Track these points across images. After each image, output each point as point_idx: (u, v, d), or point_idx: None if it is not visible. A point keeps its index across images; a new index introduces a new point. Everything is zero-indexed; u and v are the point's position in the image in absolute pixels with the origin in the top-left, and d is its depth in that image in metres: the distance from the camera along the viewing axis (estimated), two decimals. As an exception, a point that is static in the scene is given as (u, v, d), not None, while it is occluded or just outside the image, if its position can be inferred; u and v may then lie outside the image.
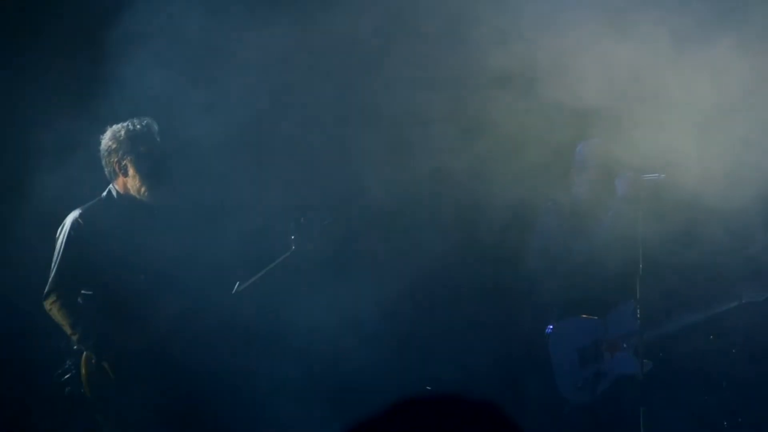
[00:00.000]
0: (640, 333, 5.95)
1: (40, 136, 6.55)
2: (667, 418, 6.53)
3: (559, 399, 6.27)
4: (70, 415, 5.82)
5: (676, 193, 6.09)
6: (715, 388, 6.75)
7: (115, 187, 5.84)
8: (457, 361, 7.17)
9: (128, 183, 5.80)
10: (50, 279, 5.73)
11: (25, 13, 6.84)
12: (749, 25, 5.99)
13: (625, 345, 6.19)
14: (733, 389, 6.74)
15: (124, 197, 5.81)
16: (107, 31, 6.38)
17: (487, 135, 6.66)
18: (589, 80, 6.13)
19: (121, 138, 5.77)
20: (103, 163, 5.83)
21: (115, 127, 5.81)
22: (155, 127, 5.81)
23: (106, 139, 5.81)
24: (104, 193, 5.86)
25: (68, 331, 5.69)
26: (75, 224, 5.73)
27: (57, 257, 5.74)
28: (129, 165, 5.78)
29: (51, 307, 5.71)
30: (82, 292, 5.74)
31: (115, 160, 5.79)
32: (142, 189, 5.78)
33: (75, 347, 5.73)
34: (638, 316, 5.96)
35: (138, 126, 5.78)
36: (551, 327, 6.33)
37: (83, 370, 5.71)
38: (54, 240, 5.79)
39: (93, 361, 5.70)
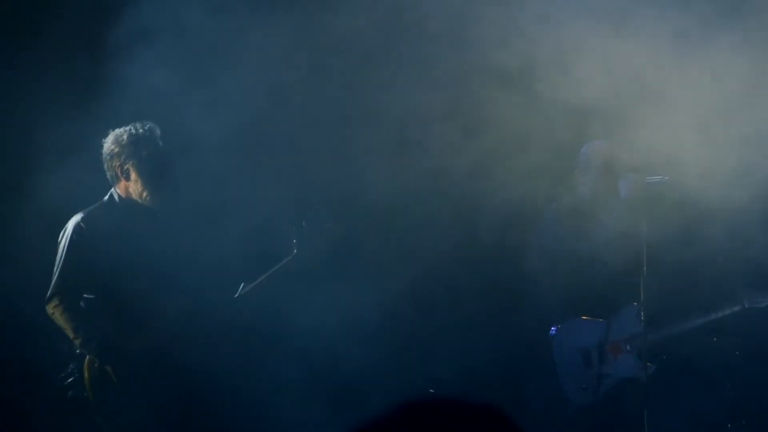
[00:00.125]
0: (643, 335, 5.94)
1: (41, 136, 6.54)
2: (670, 420, 6.53)
3: (562, 401, 6.26)
4: (72, 419, 5.81)
5: (680, 195, 6.08)
6: (719, 390, 6.76)
7: (117, 191, 5.83)
8: (458, 362, 7.17)
9: (130, 187, 5.80)
10: (52, 283, 5.73)
11: (25, 13, 6.82)
12: (751, 24, 5.98)
13: (628, 347, 6.19)
14: (736, 391, 6.75)
15: (126, 201, 5.81)
16: (108, 32, 6.36)
17: (488, 134, 6.66)
18: (590, 80, 6.13)
19: (124, 142, 5.76)
20: (105, 166, 5.83)
21: (117, 131, 5.81)
22: (157, 131, 5.81)
23: (109, 143, 5.80)
24: (106, 197, 5.86)
25: (71, 334, 5.69)
26: (77, 228, 5.73)
27: (59, 261, 5.73)
28: (131, 169, 5.77)
29: (53, 311, 5.71)
30: (85, 295, 5.73)
31: (117, 164, 5.78)
32: (144, 193, 5.77)
33: (78, 351, 5.73)
34: (642, 318, 5.95)
35: (140, 130, 5.77)
36: (555, 329, 6.32)
37: (86, 374, 5.71)
38: (56, 244, 5.79)
39: (96, 364, 5.70)
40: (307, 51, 6.63)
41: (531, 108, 6.50)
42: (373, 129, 6.77)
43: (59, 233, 5.81)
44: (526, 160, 6.60)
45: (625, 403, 6.21)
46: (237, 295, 5.90)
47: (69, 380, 5.73)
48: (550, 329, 6.35)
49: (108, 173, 5.83)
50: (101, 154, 5.82)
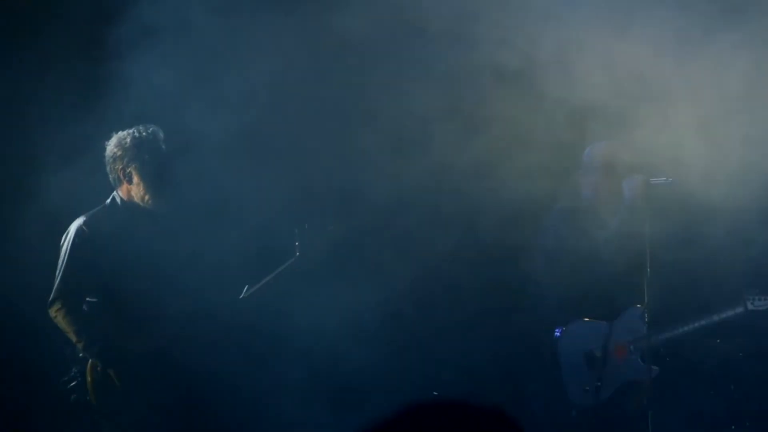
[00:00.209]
0: (647, 337, 5.94)
1: (42, 137, 6.53)
2: (673, 421, 6.53)
3: (566, 403, 6.26)
4: (76, 423, 5.79)
5: (683, 197, 6.08)
6: (722, 392, 6.76)
7: (119, 194, 5.83)
8: (459, 362, 7.17)
9: (132, 190, 5.79)
10: (55, 286, 5.73)
11: (26, 14, 6.80)
12: (753, 24, 5.98)
13: (632, 348, 6.18)
14: (739, 393, 6.75)
15: (128, 204, 5.81)
16: (110, 32, 6.34)
17: (488, 134, 6.65)
18: (592, 79, 6.13)
19: (127, 145, 5.76)
20: (108, 169, 5.82)
21: (120, 133, 5.80)
22: (161, 134, 5.80)
23: (111, 146, 5.80)
24: (108, 200, 5.85)
25: (73, 338, 5.69)
26: (79, 231, 5.73)
27: (61, 265, 5.73)
28: (134, 172, 5.77)
29: (56, 314, 5.70)
30: (87, 299, 5.73)
31: (120, 167, 5.78)
32: (146, 197, 5.77)
33: (80, 354, 5.72)
34: (646, 320, 5.95)
35: (144, 133, 5.77)
36: (559, 331, 6.31)
37: (89, 378, 5.70)
38: (59, 246, 5.78)
39: (98, 368, 5.69)
40: (308, 51, 6.61)
41: (532, 108, 6.49)
42: (374, 129, 6.76)
43: (62, 235, 5.81)
44: (527, 159, 6.59)
45: (629, 405, 6.21)
46: (242, 296, 5.90)
47: (72, 384, 5.72)
48: (552, 330, 6.35)
49: (110, 176, 5.83)
50: (104, 156, 5.81)
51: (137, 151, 5.75)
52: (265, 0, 6.57)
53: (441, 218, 7.09)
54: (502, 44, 6.28)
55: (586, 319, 6.28)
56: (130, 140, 5.76)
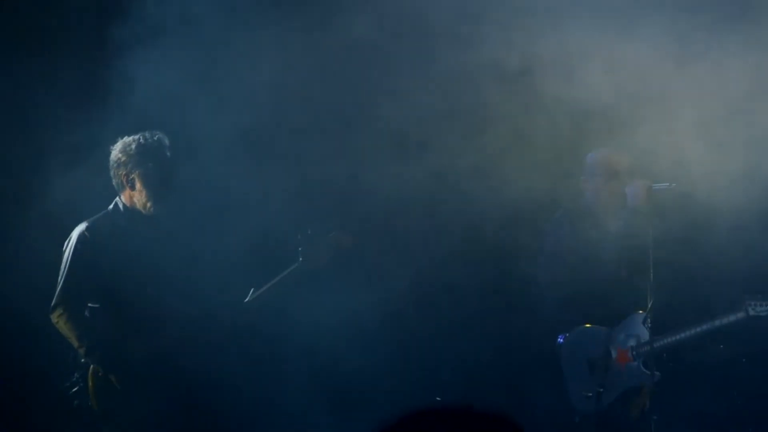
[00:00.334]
0: (650, 343, 5.94)
1: (44, 139, 6.51)
2: (677, 427, 6.54)
3: (568, 409, 6.25)
4: (78, 427, 5.79)
5: (685, 202, 6.07)
6: (725, 398, 6.76)
7: (122, 200, 5.82)
8: (460, 364, 7.17)
9: (134, 197, 5.79)
10: (57, 292, 5.73)
11: (29, 16, 6.78)
12: (755, 28, 5.97)
13: (634, 354, 6.18)
14: (742, 398, 6.75)
15: (130, 210, 5.80)
16: (113, 35, 6.33)
17: (489, 135, 6.65)
18: (594, 82, 6.12)
19: (131, 152, 5.75)
20: (111, 173, 5.82)
21: (126, 139, 5.79)
22: (166, 141, 5.79)
23: (116, 151, 5.79)
24: (111, 206, 5.85)
25: (75, 344, 5.69)
26: (81, 237, 5.73)
27: (63, 270, 5.73)
28: (137, 179, 5.76)
29: (58, 320, 5.71)
30: (89, 305, 5.73)
31: (123, 173, 5.77)
32: (148, 204, 5.76)
33: (82, 360, 5.72)
34: (648, 325, 5.94)
35: (149, 140, 5.76)
36: (562, 337, 6.31)
37: (90, 383, 5.70)
38: (61, 252, 5.78)
39: (100, 373, 5.69)
40: (308, 53, 6.60)
41: (532, 108, 6.49)
42: (373, 129, 6.75)
43: (65, 237, 5.82)
44: (527, 160, 6.58)
45: (632, 411, 6.21)
46: (247, 299, 5.90)
47: (74, 389, 5.72)
48: (554, 334, 6.34)
49: (114, 180, 5.83)
50: (108, 160, 5.81)
51: (141, 158, 5.74)
52: (267, 1, 6.56)
53: (441, 218, 7.08)
54: (503, 45, 6.27)
55: (588, 326, 6.27)
56: (135, 147, 5.75)
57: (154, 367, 5.69)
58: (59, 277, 5.73)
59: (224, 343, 5.90)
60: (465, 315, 7.23)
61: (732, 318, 6.07)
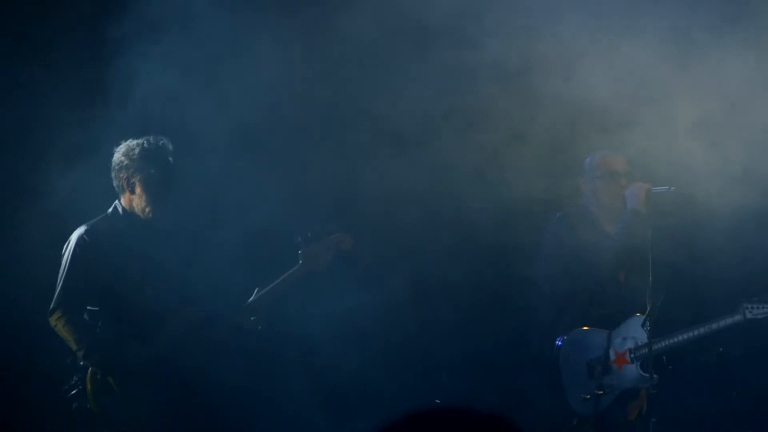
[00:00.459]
0: (648, 345, 5.93)
1: (45, 139, 6.52)
2: (675, 429, 6.53)
3: (567, 411, 6.25)
4: (77, 430, 5.78)
5: (684, 205, 6.07)
6: (724, 399, 6.75)
7: (121, 203, 5.83)
8: (460, 366, 7.17)
9: (134, 201, 5.79)
10: (56, 295, 5.73)
11: (30, 15, 6.77)
12: (755, 28, 5.96)
13: (633, 356, 6.17)
14: (741, 400, 6.75)
15: (129, 213, 5.80)
16: (112, 33, 6.33)
17: (489, 135, 6.64)
18: (593, 80, 6.11)
19: (134, 156, 5.75)
20: (113, 176, 5.83)
21: (130, 142, 5.79)
22: (170, 147, 5.79)
23: (119, 154, 5.79)
24: (110, 209, 5.85)
25: (74, 346, 5.69)
26: (80, 241, 5.73)
27: (62, 274, 5.73)
28: (137, 184, 5.76)
29: (56, 323, 5.71)
30: (88, 308, 5.74)
31: (125, 176, 5.78)
32: (147, 209, 5.77)
33: (81, 363, 5.72)
34: (647, 328, 5.93)
35: (153, 146, 5.75)
36: (560, 340, 6.30)
37: (89, 385, 5.71)
38: (60, 254, 5.78)
39: (98, 376, 5.70)
40: (307, 52, 6.59)
41: (531, 109, 6.48)
42: (373, 129, 6.75)
43: (65, 238, 5.82)
44: (526, 160, 6.58)
45: (630, 413, 6.20)
46: (251, 300, 5.90)
47: (73, 392, 5.73)
48: (552, 336, 6.33)
49: (114, 182, 5.83)
50: (111, 161, 5.81)
51: (144, 163, 5.74)
52: (267, 1, 6.56)
53: (439, 218, 7.07)
54: (502, 44, 6.27)
55: (587, 328, 6.26)
56: (139, 151, 5.75)
57: (153, 369, 5.70)
58: (58, 280, 5.74)
59: (223, 345, 5.89)
60: (463, 316, 7.23)
61: (729, 321, 6.07)
